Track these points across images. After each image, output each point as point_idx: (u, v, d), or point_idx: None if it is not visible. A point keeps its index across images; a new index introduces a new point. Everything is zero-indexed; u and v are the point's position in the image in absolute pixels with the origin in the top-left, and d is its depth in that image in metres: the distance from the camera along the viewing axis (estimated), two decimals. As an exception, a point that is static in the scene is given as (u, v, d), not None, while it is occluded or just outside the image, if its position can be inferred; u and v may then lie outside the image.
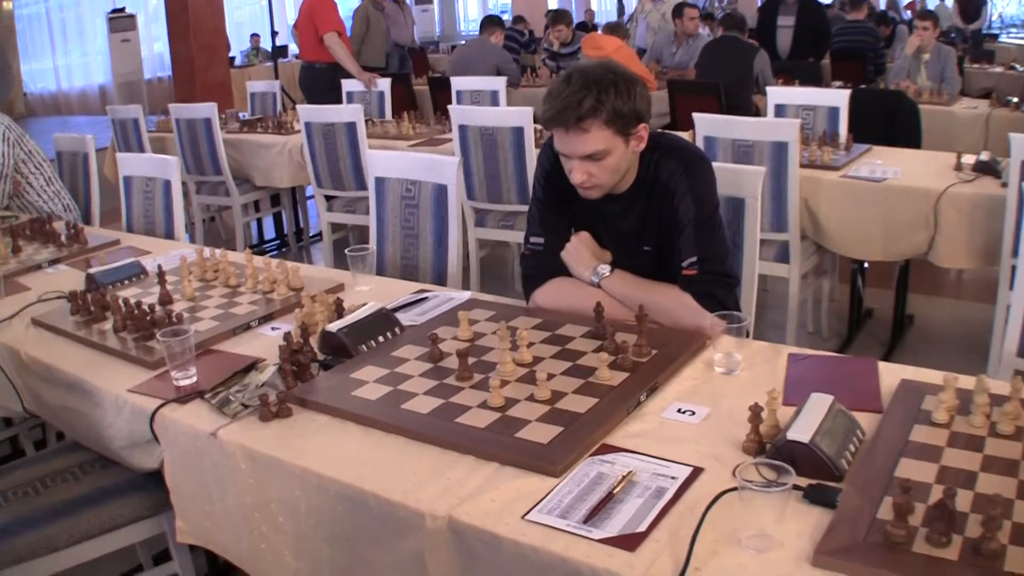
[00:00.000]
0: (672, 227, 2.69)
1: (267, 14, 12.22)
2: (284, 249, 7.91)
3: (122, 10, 13.50)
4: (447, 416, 2.13)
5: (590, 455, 1.97)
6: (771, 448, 1.91)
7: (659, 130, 2.75)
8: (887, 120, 6.42)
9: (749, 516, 1.69)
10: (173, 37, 11.12)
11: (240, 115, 7.82)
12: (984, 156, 4.81)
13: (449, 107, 5.86)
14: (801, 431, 1.87)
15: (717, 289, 2.62)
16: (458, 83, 7.54)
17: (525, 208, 5.24)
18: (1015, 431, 1.99)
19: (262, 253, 7.40)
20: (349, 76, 8.03)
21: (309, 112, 6.08)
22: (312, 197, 6.93)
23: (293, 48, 15.29)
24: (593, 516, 1.74)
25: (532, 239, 2.85)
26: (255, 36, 16.07)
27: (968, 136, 7.01)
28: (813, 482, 1.80)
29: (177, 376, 2.42)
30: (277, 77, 10.90)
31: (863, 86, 8.07)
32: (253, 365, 2.46)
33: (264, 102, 8.43)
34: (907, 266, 5.12)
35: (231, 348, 2.68)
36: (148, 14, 15.23)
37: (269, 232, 8.26)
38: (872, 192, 4.64)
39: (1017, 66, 9.63)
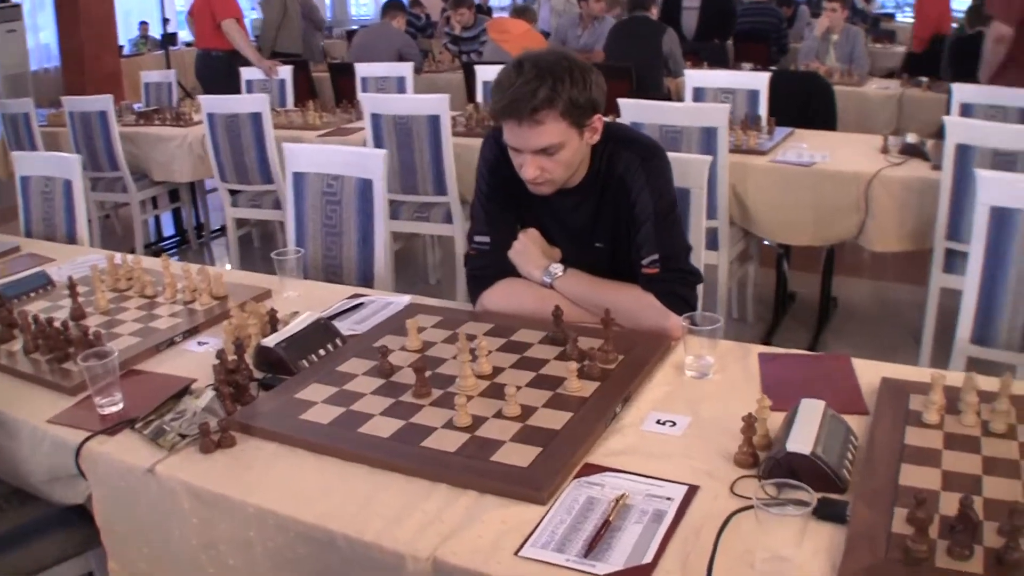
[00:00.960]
0: (628, 223, 2.55)
1: (157, 0, 11.85)
2: (184, 246, 7.63)
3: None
4: (411, 439, 1.95)
5: (574, 477, 1.83)
6: (769, 461, 1.78)
7: (610, 119, 2.59)
8: (803, 102, 6.36)
9: (761, 538, 1.57)
10: (61, 26, 10.78)
11: (135, 107, 7.51)
12: (911, 138, 4.78)
13: (361, 95, 5.67)
14: (800, 442, 1.75)
15: (681, 288, 2.49)
16: (362, 69, 7.30)
17: (442, 199, 5.16)
18: (1008, 429, 1.93)
19: (161, 251, 7.14)
20: (247, 64, 7.75)
21: (211, 103, 5.82)
22: (213, 191, 6.68)
23: (184, 36, 14.90)
24: (593, 548, 1.59)
25: (477, 238, 2.68)
26: (144, 24, 15.58)
27: (881, 116, 7.02)
28: (819, 496, 1.66)
29: (101, 403, 2.19)
30: (169, 66, 10.56)
31: (774, 68, 8.02)
32: (187, 388, 2.25)
33: (159, 93, 8.10)
34: (832, 249, 5.06)
35: (156, 367, 2.46)
36: (34, 2, 14.70)
37: (168, 229, 7.95)
38: (802, 177, 4.56)
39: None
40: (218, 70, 8.08)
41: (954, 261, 4.16)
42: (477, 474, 1.82)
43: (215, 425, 2.02)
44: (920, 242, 4.39)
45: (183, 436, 2.03)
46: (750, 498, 1.69)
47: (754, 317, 5.42)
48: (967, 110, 5.14)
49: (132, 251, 6.36)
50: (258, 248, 7.31)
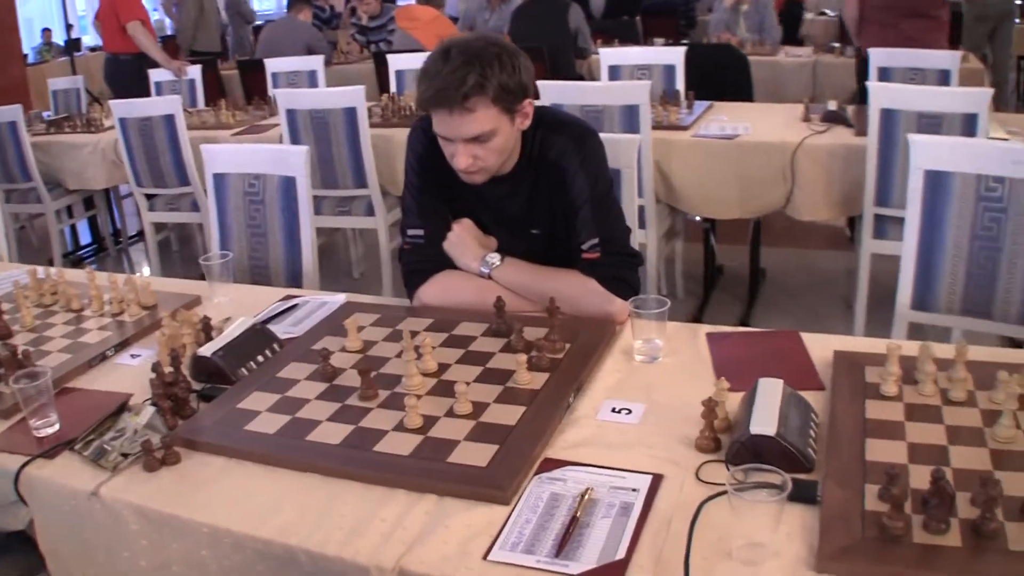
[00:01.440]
0: (564, 208, 2.50)
1: (59, 7, 11.59)
2: (103, 253, 7.46)
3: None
4: (363, 445, 1.88)
5: (535, 473, 1.77)
6: (734, 445, 1.74)
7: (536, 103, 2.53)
8: (718, 75, 6.36)
9: (734, 524, 1.53)
10: (-38, 37, 10.46)
11: (44, 115, 7.29)
12: (831, 105, 4.80)
13: (274, 91, 5.57)
14: (763, 423, 1.72)
15: (623, 271, 2.45)
16: (272, 64, 7.16)
17: (362, 192, 5.09)
18: (967, 396, 1.92)
19: (80, 260, 7.05)
20: (156, 66, 7.58)
21: (123, 107, 5.65)
22: (128, 196, 6.52)
23: (88, 40, 14.62)
24: (563, 547, 1.54)
25: (410, 231, 2.61)
26: (47, 31, 15.26)
27: (796, 85, 7.06)
28: (784, 473, 1.62)
29: (37, 425, 2.08)
30: (75, 72, 10.33)
31: (686, 42, 8.03)
32: (124, 405, 2.15)
33: (68, 99, 7.90)
34: (759, 221, 5.05)
35: (90, 384, 2.36)
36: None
37: (85, 236, 7.76)
38: (726, 150, 4.55)
39: (827, 11, 9.74)
40: (127, 74, 7.88)
41: (883, 226, 4.17)
42: (435, 477, 1.76)
43: (158, 442, 1.93)
44: (848, 209, 4.41)
45: (125, 455, 1.94)
46: (717, 484, 1.67)
47: (684, 293, 5.41)
48: (885, 74, 5.16)
49: (50, 262, 6.28)
50: (177, 252, 7.19)
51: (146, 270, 6.89)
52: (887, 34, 5.60)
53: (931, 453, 1.72)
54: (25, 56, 13.25)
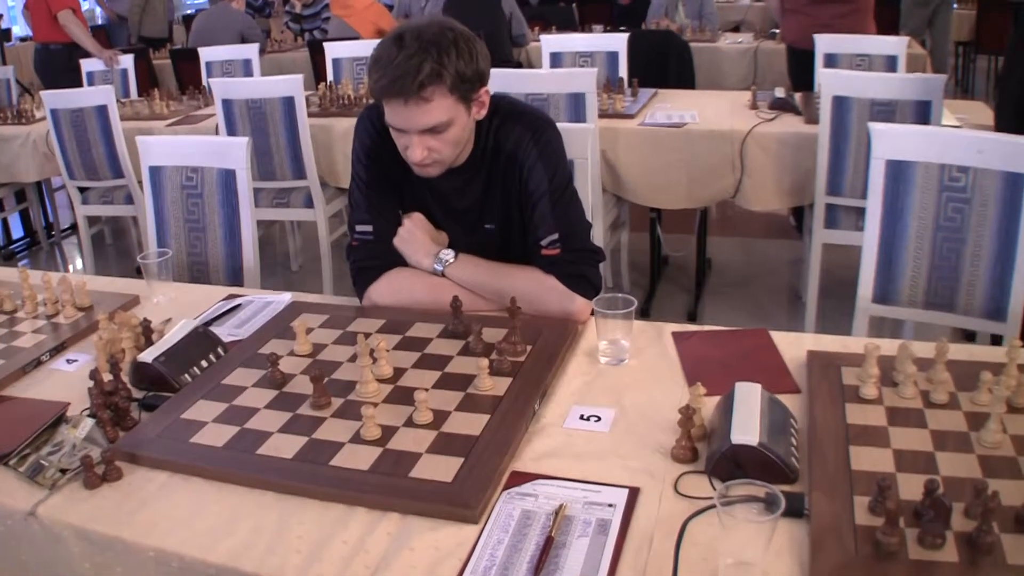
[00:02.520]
0: (520, 201, 2.40)
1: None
2: (35, 247, 7.24)
3: None
4: (318, 458, 1.76)
5: (503, 488, 1.67)
6: (713, 456, 1.65)
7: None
8: (660, 62, 6.29)
9: (721, 542, 1.45)
10: None
11: (-27, 107, 7.09)
12: (779, 92, 4.75)
13: (209, 80, 5.42)
14: (744, 432, 1.63)
15: (584, 267, 2.33)
16: (206, 54, 6.98)
17: (301, 183, 4.96)
18: (949, 398, 1.85)
19: (12, 255, 6.84)
20: (88, 56, 7.37)
21: (54, 98, 5.48)
22: (61, 188, 6.33)
23: (18, 31, 14.29)
24: (540, 570, 1.43)
25: (359, 227, 2.48)
26: (-24, 21, 14.95)
27: (737, 71, 7.02)
28: (773, 487, 1.53)
29: (-34, 438, 1.96)
30: (5, 62, 10.08)
31: (623, 28, 7.94)
32: (62, 416, 2.01)
33: (-3, 90, 7.69)
34: (705, 210, 4.98)
35: (24, 391, 2.22)
36: None
37: (16, 230, 7.54)
38: (673, 138, 4.47)
39: (766, -4, 9.70)
40: (58, 64, 7.66)
41: (834, 215, 4.12)
42: (397, 494, 1.64)
43: (98, 456, 1.81)
44: (799, 198, 4.36)
45: (64, 471, 1.81)
46: (697, 498, 1.59)
47: (630, 284, 5.33)
48: (831, 61, 5.11)
49: (-19, 256, 6.07)
50: (111, 245, 7.01)
51: (79, 264, 6.72)
52: (803, 22, 5.58)
53: (918, 460, 1.65)
54: (-46, 47, 12.96)
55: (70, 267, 6.95)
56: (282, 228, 6.36)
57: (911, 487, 1.54)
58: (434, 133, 2.20)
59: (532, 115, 2.41)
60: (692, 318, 4.86)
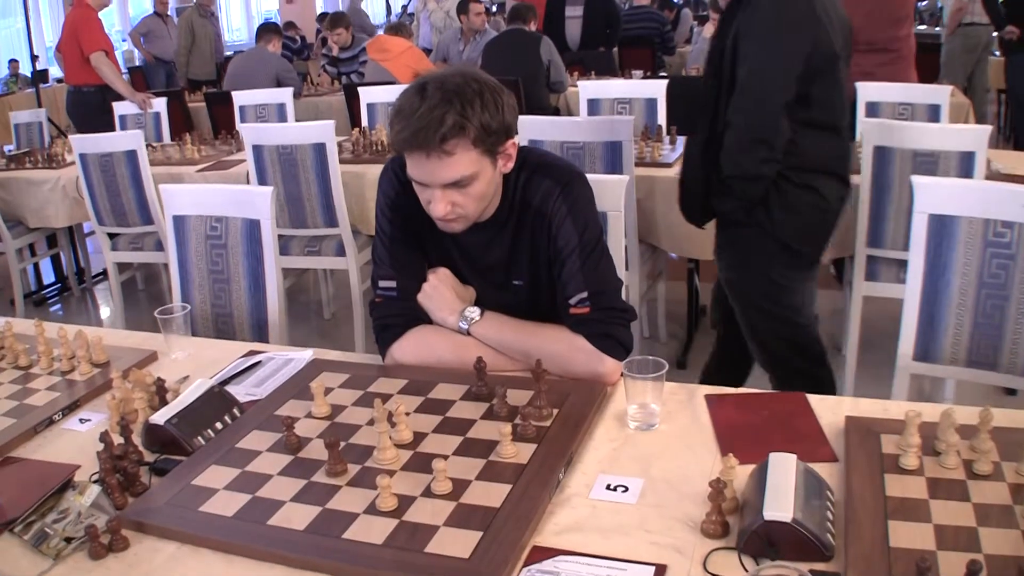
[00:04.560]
0: (549, 258, 2.32)
1: (24, 37, 11.38)
2: (67, 293, 7.20)
3: None
4: (331, 530, 1.69)
5: (524, 565, 1.58)
6: (745, 532, 1.56)
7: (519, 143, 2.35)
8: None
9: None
10: (-75, 70, 10.33)
11: (6, 149, 7.09)
12: (819, 141, 4.62)
13: (240, 126, 5.40)
14: (778, 507, 1.54)
15: (614, 328, 2.24)
16: (240, 97, 6.98)
17: (332, 231, 4.90)
18: (993, 469, 1.75)
19: (43, 300, 6.82)
20: (120, 98, 7.37)
21: (83, 142, 5.45)
22: (92, 233, 6.30)
23: (55, 72, 14.42)
24: (558, 661, 1.35)
25: (382, 283, 2.42)
26: (14, 62, 15.02)
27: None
28: (806, 570, 1.44)
29: (-27, 503, 1.89)
30: (40, 104, 10.13)
31: (664, 74, 7.90)
32: (69, 482, 1.93)
33: (30, 133, 7.67)
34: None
35: (34, 452, 2.16)
36: None
37: (48, 275, 7.51)
38: (710, 188, 4.35)
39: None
40: (90, 106, 7.66)
41: (875, 268, 4.03)
42: (412, 570, 1.56)
43: (103, 525, 1.74)
44: (839, 250, 4.25)
45: (69, 540, 1.74)
46: (726, 577, 1.49)
47: (666, 335, 5.24)
48: (873, 109, 5.03)
49: (12, 302, 6.04)
50: (143, 291, 6.98)
51: (108, 312, 6.69)
52: None
53: (960, 537, 1.56)
54: (-9, 88, 13.10)
55: (101, 312, 6.92)
56: (315, 276, 6.30)
57: (952, 566, 1.45)
58: (457, 187, 2.14)
59: (561, 168, 2.34)
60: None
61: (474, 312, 2.32)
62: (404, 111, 2.09)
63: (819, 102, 2.99)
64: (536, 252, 2.35)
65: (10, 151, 6.98)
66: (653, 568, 1.54)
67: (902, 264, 2.75)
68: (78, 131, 7.40)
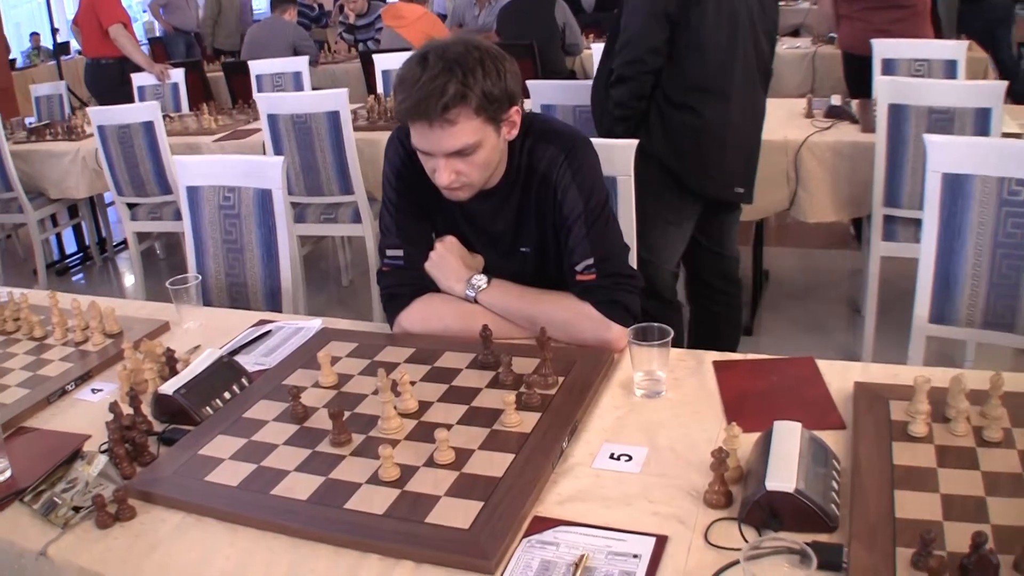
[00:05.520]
0: (554, 223, 2.31)
1: (45, 10, 11.40)
2: (88, 263, 7.25)
3: None
4: (333, 501, 1.69)
5: (524, 535, 1.57)
6: (747, 503, 1.54)
7: (527, 111, 2.33)
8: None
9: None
10: (-53, 46, 10.33)
11: (27, 122, 7.10)
12: (835, 100, 4.62)
13: (256, 96, 5.37)
14: (780, 477, 1.52)
15: (620, 294, 2.22)
16: (256, 67, 6.97)
17: (348, 199, 4.89)
18: (1003, 436, 1.72)
19: (65, 270, 6.86)
20: (139, 70, 7.37)
21: (101, 114, 5.46)
22: (113, 203, 6.32)
23: (76, 44, 14.43)
24: (555, 632, 1.34)
25: (389, 252, 2.41)
26: (35, 35, 15.05)
27: (794, 77, 6.88)
28: (808, 540, 1.42)
29: (-14, 472, 1.90)
30: (61, 77, 10.14)
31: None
32: (78, 452, 1.94)
33: (51, 106, 7.71)
34: (762, 222, 4.85)
35: (47, 422, 2.16)
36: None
37: (70, 245, 7.55)
38: (726, 149, 4.33)
39: None
40: (110, 78, 7.67)
41: (893, 228, 3.99)
42: (412, 541, 1.56)
43: (110, 495, 1.74)
44: (856, 210, 4.23)
45: (76, 510, 1.75)
46: (728, 549, 1.48)
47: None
48: (889, 66, 4.97)
49: (34, 272, 6.06)
50: (163, 260, 7.01)
51: (130, 280, 6.71)
52: (858, 28, 5.48)
53: (967, 507, 1.53)
54: (13, 61, 13.11)
55: (124, 280, 6.95)
56: (332, 243, 6.30)
57: (959, 537, 1.42)
58: (461, 156, 2.12)
59: (566, 134, 2.32)
60: (748, 332, 4.73)
61: (481, 280, 2.31)
62: (406, 81, 2.08)
63: (695, 27, 3.25)
64: (542, 219, 2.33)
65: (31, 123, 7.00)
66: (654, 539, 1.53)
67: (919, 224, 2.73)
68: (98, 103, 7.41)
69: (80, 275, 7.03)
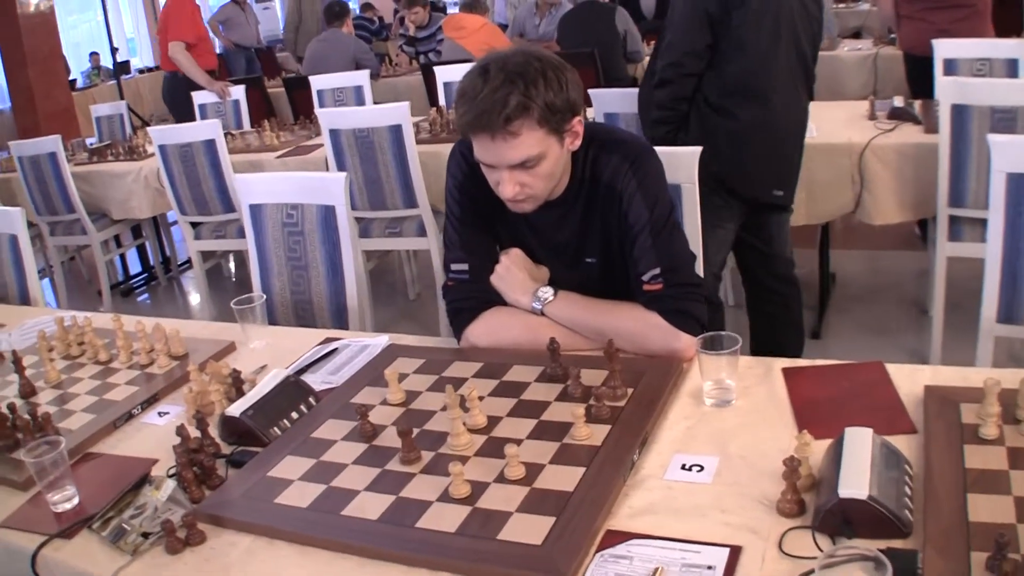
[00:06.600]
0: (620, 234, 2.30)
1: (104, 30, 11.53)
2: (154, 283, 7.33)
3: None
4: (404, 520, 1.69)
5: (597, 550, 1.57)
6: (820, 511, 1.53)
7: (589, 120, 2.32)
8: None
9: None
10: (8, 66, 10.49)
11: (88, 142, 7.19)
12: (897, 102, 4.58)
13: (317, 111, 5.41)
14: (853, 484, 1.51)
15: (688, 303, 2.21)
16: (317, 82, 7.00)
17: (412, 212, 4.90)
18: (1075, 436, 1.67)
19: (130, 291, 6.93)
20: (200, 88, 7.43)
21: (162, 133, 5.52)
22: (176, 222, 6.39)
23: (136, 63, 14.60)
24: (631, 646, 1.34)
25: (454, 266, 2.41)
26: (95, 55, 15.23)
27: (856, 80, 6.83)
28: (882, 547, 1.41)
29: (54, 499, 1.91)
30: (122, 96, 10.26)
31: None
32: (146, 477, 1.95)
33: (111, 125, 7.77)
34: (827, 225, 4.81)
35: (114, 447, 2.19)
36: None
37: (134, 266, 7.63)
38: (793, 154, 4.31)
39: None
40: (184, 91, 7.67)
41: (958, 228, 3.94)
42: (483, 558, 1.56)
43: (179, 519, 1.76)
44: (921, 211, 4.19)
45: (146, 536, 1.76)
46: (802, 557, 1.47)
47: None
48: (951, 66, 4.92)
49: (99, 293, 6.13)
50: (229, 279, 7.07)
51: (196, 299, 6.77)
52: (919, 28, 5.43)
53: (1041, 510, 1.51)
54: (74, 81, 13.28)
55: (190, 300, 7.01)
56: (398, 257, 6.33)
57: (1033, 541, 1.40)
58: (525, 168, 2.12)
59: (629, 143, 2.31)
60: (816, 335, 4.70)
61: (547, 292, 2.31)
62: (467, 94, 2.08)
63: (736, 27, 3.31)
64: (607, 229, 2.33)
65: (92, 144, 7.07)
66: (728, 550, 1.52)
67: (986, 224, 2.70)
68: (173, 115, 7.48)
69: (145, 295, 7.11)
